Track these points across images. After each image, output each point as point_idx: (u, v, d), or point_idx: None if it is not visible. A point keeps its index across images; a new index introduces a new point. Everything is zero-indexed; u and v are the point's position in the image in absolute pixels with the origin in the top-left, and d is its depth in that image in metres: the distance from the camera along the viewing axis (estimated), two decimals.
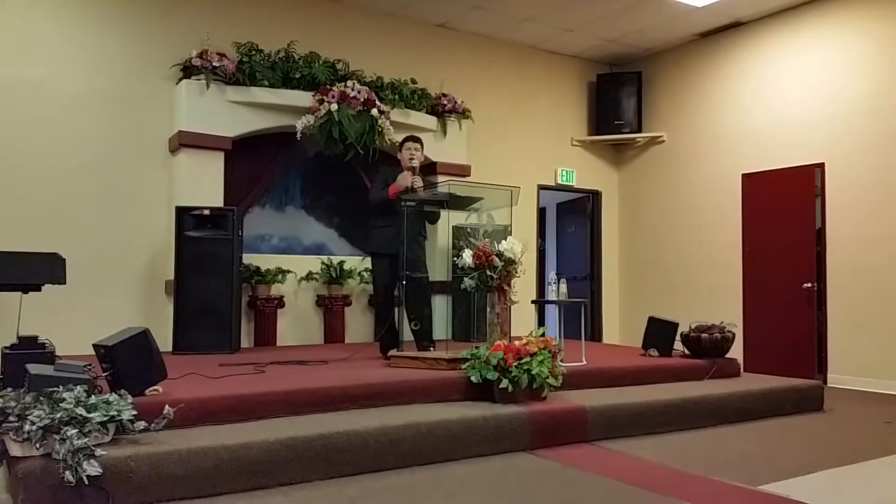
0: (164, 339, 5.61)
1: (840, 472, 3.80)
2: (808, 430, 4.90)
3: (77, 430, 2.94)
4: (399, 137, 7.10)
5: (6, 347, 4.16)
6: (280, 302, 7.01)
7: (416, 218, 5.59)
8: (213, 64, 6.51)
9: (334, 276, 7.24)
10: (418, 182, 5.51)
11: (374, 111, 6.81)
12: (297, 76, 6.91)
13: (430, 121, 7.71)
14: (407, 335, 5.64)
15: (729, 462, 3.97)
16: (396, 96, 7.41)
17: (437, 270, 7.17)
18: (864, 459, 4.05)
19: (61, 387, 3.16)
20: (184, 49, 6.61)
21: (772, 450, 4.31)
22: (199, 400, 3.72)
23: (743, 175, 8.12)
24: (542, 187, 9.11)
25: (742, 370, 6.17)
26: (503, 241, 4.94)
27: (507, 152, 8.72)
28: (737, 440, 4.56)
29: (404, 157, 5.78)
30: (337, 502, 3.19)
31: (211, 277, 6.12)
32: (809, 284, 7.35)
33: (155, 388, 3.78)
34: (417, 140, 5.86)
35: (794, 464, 3.92)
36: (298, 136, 6.75)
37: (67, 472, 2.85)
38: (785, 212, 7.64)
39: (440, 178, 7.08)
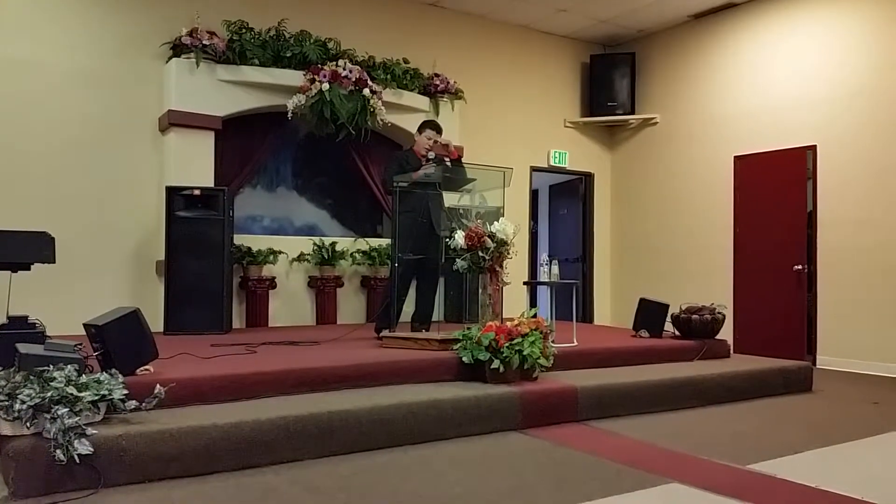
0: (155, 320, 5.61)
1: (828, 452, 3.84)
2: (796, 411, 4.94)
3: (68, 409, 2.93)
4: (391, 118, 7.11)
5: None
6: (272, 283, 7.00)
7: (440, 197, 5.52)
8: (203, 42, 6.44)
9: (326, 257, 7.22)
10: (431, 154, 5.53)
11: (366, 91, 6.76)
12: (288, 55, 6.85)
13: (423, 101, 7.66)
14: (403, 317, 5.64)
15: (718, 442, 4.01)
16: (388, 76, 7.36)
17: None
18: (851, 439, 4.09)
19: (52, 366, 3.14)
20: (173, 27, 6.53)
21: (760, 430, 4.35)
22: (190, 379, 3.72)
23: (735, 157, 8.13)
24: (534, 169, 9.10)
25: (732, 351, 6.21)
26: (495, 223, 4.94)
27: (499, 133, 8.69)
28: (726, 420, 4.60)
29: (422, 143, 5.72)
30: (328, 481, 3.20)
31: (202, 258, 6.09)
32: (800, 266, 7.38)
33: (146, 367, 3.78)
34: (440, 132, 5.78)
35: (782, 443, 3.95)
36: (289, 115, 6.71)
37: (58, 451, 2.85)
38: (776, 194, 7.66)
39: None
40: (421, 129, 5.84)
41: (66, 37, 6.30)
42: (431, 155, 5.59)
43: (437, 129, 5.80)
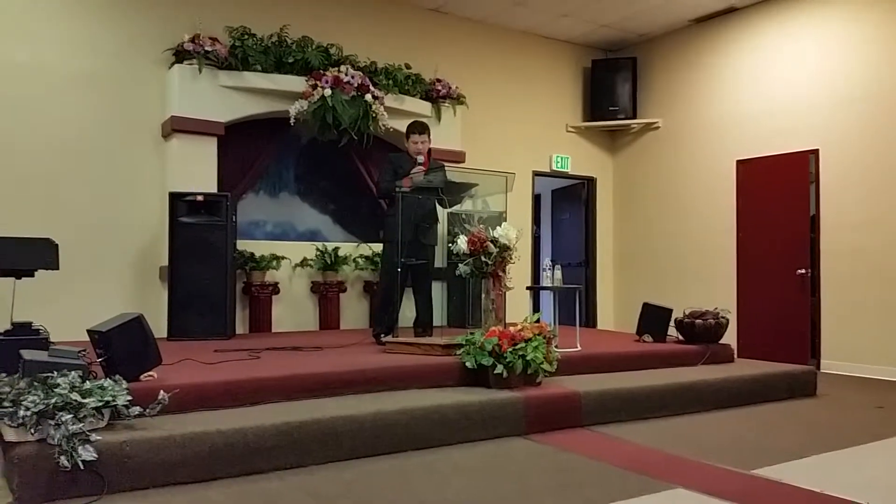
0: (158, 326, 5.60)
1: (832, 457, 3.83)
2: (800, 415, 4.93)
3: (72, 416, 2.94)
4: (393, 124, 7.11)
5: (0, 333, 4.15)
6: (275, 288, 7.00)
7: (427, 203, 5.57)
8: (206, 48, 6.46)
9: (329, 262, 7.23)
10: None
11: (368, 97, 6.77)
12: (291, 61, 6.86)
13: (425, 106, 7.67)
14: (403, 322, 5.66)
15: (722, 446, 4.00)
16: (390, 81, 7.37)
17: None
18: (855, 444, 4.08)
19: (56, 372, 3.16)
20: (176, 33, 6.56)
21: (765, 434, 4.33)
22: (194, 385, 3.72)
23: (737, 161, 8.12)
24: (536, 174, 9.10)
25: (736, 356, 6.19)
26: (498, 228, 4.94)
27: (501, 138, 8.70)
28: (730, 425, 4.59)
29: (411, 149, 5.77)
30: (332, 486, 3.20)
31: (205, 263, 6.10)
32: (803, 270, 7.37)
33: (150, 373, 3.78)
34: (424, 131, 5.81)
35: (786, 448, 3.94)
36: (292, 121, 6.72)
37: (63, 458, 2.85)
38: (779, 198, 7.65)
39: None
40: (407, 134, 5.88)
41: (68, 41, 6.32)
42: (420, 159, 5.63)
43: (419, 131, 5.80)
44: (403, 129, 7.21)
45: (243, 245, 6.86)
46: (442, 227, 6.20)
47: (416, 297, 5.78)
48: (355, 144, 6.91)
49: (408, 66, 7.67)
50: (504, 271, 4.99)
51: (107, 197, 6.42)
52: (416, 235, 5.58)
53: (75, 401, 2.98)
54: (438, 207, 5.75)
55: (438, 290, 7.20)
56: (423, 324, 5.67)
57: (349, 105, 6.65)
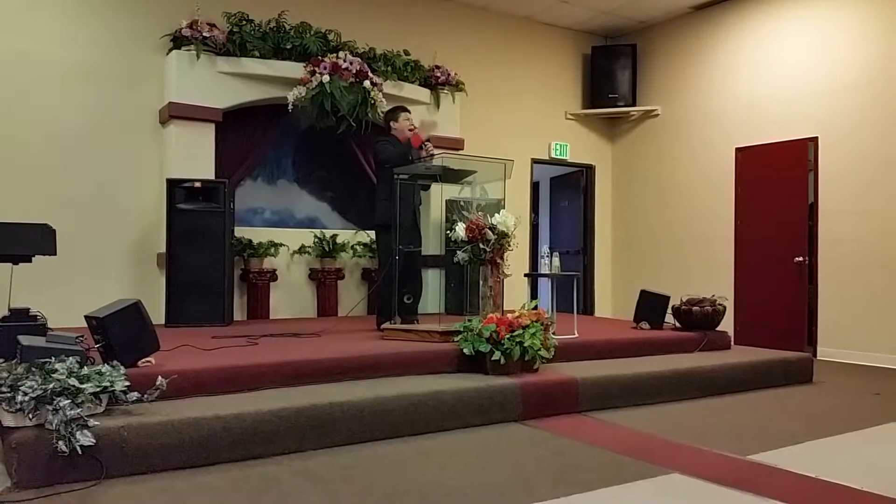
0: (156, 312, 5.61)
1: (828, 443, 3.84)
2: (797, 402, 4.95)
3: (70, 401, 2.94)
4: None
5: None
6: (273, 275, 7.01)
7: (414, 189, 5.58)
8: (204, 34, 6.42)
9: (327, 249, 7.23)
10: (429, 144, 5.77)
11: (367, 83, 6.74)
12: (289, 47, 6.83)
13: (424, 93, 7.64)
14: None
15: (718, 432, 4.01)
16: (389, 68, 7.33)
17: (430, 244, 7.18)
18: (852, 430, 4.10)
19: (53, 358, 3.16)
20: (174, 19, 6.51)
21: (761, 421, 4.35)
22: (192, 371, 3.73)
23: (736, 149, 8.11)
24: (535, 161, 9.08)
25: (732, 343, 6.20)
26: (496, 215, 4.94)
27: (500, 125, 8.67)
28: (726, 411, 4.61)
29: (404, 126, 5.84)
30: (330, 471, 3.21)
31: (203, 250, 6.09)
32: (801, 258, 7.38)
33: (147, 359, 3.79)
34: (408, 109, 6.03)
35: (783, 434, 3.96)
36: (290, 108, 6.68)
37: (60, 443, 2.86)
38: (778, 186, 7.65)
39: (433, 152, 7.04)
40: (395, 116, 5.94)
41: (66, 28, 6.28)
42: (417, 132, 5.77)
43: (408, 109, 6.05)
44: None
45: (241, 232, 6.86)
46: (438, 213, 6.23)
47: (410, 284, 5.75)
48: (353, 131, 6.88)
49: (406, 53, 7.63)
50: (502, 258, 5.00)
51: (105, 183, 6.41)
52: (415, 221, 5.59)
53: (73, 386, 2.99)
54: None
55: (436, 278, 7.22)
56: (411, 309, 5.66)
57: (347, 91, 6.62)
